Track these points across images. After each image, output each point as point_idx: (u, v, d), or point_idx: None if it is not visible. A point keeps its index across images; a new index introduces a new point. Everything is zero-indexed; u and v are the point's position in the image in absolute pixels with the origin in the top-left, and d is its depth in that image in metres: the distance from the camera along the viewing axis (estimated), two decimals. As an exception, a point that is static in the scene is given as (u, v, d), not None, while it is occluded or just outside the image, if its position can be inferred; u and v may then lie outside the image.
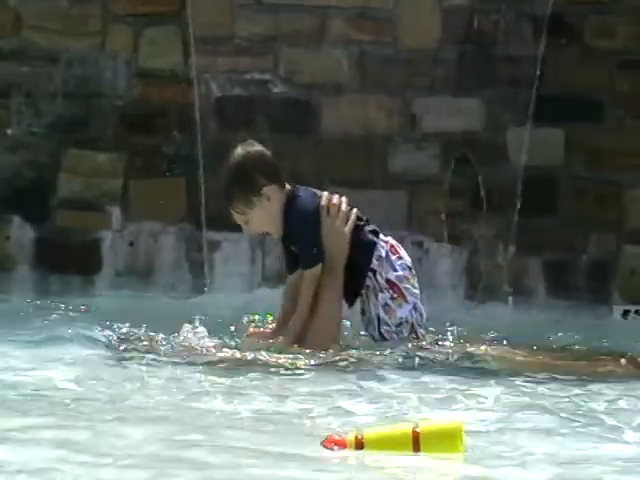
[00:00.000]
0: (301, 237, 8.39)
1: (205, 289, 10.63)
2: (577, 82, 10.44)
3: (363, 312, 8.20)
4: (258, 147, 8.41)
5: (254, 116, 10.74)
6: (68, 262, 10.70)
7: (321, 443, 5.02)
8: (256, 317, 8.27)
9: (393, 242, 8.38)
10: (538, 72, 10.31)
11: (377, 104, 10.58)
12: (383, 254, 8.34)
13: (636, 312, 10.72)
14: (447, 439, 5.24)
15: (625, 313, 10.59)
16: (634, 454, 5.53)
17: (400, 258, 8.35)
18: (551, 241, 10.50)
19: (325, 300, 8.33)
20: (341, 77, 10.67)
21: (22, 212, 10.67)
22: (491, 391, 6.98)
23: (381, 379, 7.38)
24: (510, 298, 10.41)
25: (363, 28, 10.78)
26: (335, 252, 8.24)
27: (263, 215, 8.35)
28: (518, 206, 10.32)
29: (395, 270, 8.44)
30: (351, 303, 8.24)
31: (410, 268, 8.31)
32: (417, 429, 4.74)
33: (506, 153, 10.47)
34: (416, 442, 4.85)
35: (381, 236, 8.28)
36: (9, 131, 10.69)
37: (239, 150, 8.34)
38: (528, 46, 10.44)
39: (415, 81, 10.64)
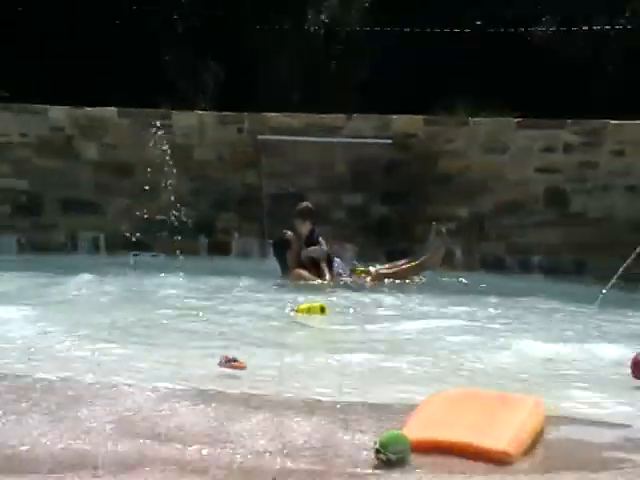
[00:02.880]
0: (318, 244, 12.64)
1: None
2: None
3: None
4: (311, 205, 12.94)
5: (284, 201, 13.83)
6: (220, 251, 14.33)
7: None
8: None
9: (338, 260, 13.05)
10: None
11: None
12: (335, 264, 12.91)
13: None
14: (319, 310, 10.20)
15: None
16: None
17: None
18: (387, 244, 13.88)
19: (322, 266, 12.54)
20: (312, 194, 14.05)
21: (205, 236, 14.29)
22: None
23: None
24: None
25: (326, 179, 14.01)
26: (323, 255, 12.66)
27: (303, 228, 12.68)
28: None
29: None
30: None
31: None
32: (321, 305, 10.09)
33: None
34: (307, 311, 9.97)
35: (336, 258, 12.97)
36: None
37: (305, 203, 12.97)
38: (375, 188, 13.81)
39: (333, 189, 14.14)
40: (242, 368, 7.48)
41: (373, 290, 12.46)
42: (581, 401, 7.03)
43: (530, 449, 5.44)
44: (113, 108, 14.38)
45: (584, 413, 6.53)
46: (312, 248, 12.80)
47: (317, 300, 10.82)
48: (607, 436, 5.97)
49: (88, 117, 14.32)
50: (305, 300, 10.95)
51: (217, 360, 7.52)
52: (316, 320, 10.24)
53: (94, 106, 14.40)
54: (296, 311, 10.41)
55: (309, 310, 10.36)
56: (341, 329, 10.06)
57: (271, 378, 7.43)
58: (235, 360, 7.53)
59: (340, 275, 12.99)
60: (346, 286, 12.67)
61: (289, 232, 12.86)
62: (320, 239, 12.98)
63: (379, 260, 13.66)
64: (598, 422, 6.30)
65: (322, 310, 10.30)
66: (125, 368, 7.49)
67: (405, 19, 19.30)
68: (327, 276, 12.80)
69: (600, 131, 13.55)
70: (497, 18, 20.65)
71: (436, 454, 5.26)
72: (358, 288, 12.56)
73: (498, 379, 7.71)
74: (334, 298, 11.74)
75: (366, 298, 11.99)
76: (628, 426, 6.13)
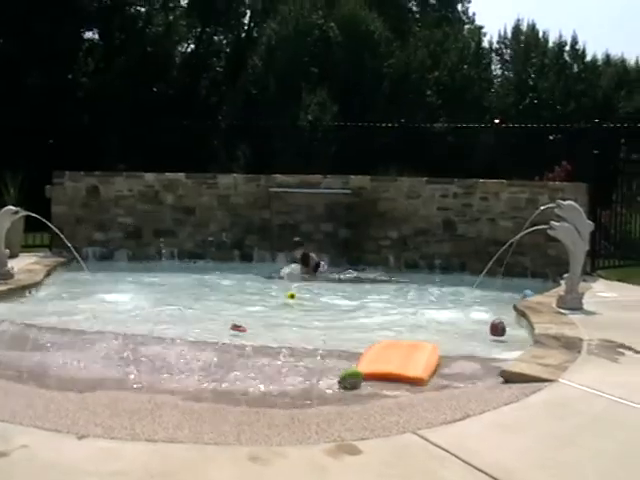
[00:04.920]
0: (311, 259, 12.55)
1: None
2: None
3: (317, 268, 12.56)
4: (300, 239, 12.95)
5: (285, 229, 13.58)
6: (247, 259, 13.71)
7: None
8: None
9: (323, 262, 12.80)
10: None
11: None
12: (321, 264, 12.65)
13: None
14: (290, 296, 10.15)
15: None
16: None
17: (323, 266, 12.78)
18: (347, 254, 13.45)
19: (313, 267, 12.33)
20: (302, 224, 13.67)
21: (238, 250, 13.69)
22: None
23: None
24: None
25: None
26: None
27: (297, 253, 12.60)
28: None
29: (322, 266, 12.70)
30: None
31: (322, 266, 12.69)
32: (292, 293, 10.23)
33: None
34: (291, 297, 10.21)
35: (322, 262, 12.74)
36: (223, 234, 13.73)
37: (297, 238, 12.87)
38: (340, 220, 13.55)
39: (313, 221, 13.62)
40: (244, 331, 7.44)
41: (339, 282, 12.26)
42: (462, 346, 7.17)
43: (433, 375, 5.70)
44: (182, 173, 14.20)
45: (462, 353, 6.72)
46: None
47: (295, 289, 10.69)
48: (479, 363, 6.17)
49: (167, 179, 14.15)
50: (291, 288, 10.75)
51: (229, 325, 7.60)
52: (292, 301, 10.13)
53: (170, 171, 14.27)
54: (290, 295, 10.32)
55: (292, 295, 10.28)
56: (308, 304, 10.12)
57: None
58: (240, 326, 7.54)
59: (322, 271, 12.66)
60: (326, 279, 12.40)
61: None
62: (312, 254, 12.82)
63: (343, 264, 13.24)
64: (472, 357, 6.52)
65: (292, 296, 10.16)
66: (180, 331, 7.53)
67: (358, 119, 19.59)
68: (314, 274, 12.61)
69: (473, 186, 13.44)
70: (413, 117, 21.15)
71: (378, 380, 5.52)
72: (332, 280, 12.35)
73: (411, 333, 7.80)
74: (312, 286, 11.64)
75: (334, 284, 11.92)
76: (492, 359, 6.34)
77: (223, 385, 5.30)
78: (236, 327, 7.53)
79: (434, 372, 5.80)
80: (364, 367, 5.71)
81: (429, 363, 5.94)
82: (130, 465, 3.75)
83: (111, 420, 4.34)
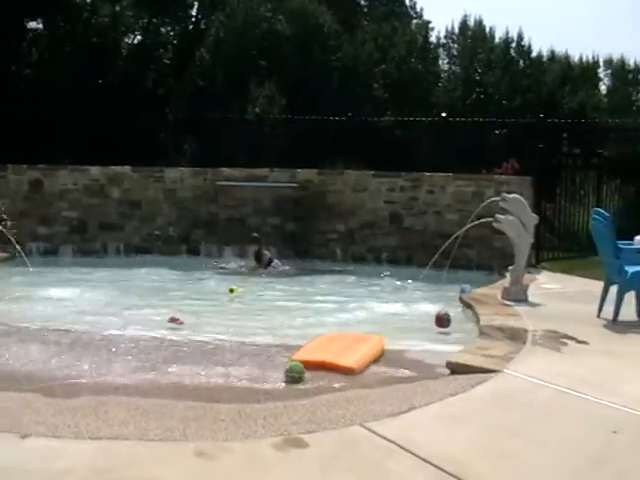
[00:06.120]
0: (264, 255, 12.47)
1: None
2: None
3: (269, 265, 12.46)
4: (257, 234, 12.68)
5: (232, 223, 13.56)
6: (194, 253, 13.63)
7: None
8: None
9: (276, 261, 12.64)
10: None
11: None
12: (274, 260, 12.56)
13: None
14: (230, 291, 9.96)
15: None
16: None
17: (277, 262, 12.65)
18: (294, 247, 13.50)
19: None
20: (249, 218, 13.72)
21: (185, 244, 13.74)
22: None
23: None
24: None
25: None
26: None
27: (253, 248, 12.56)
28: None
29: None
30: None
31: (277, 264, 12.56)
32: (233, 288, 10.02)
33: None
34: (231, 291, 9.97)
35: (275, 260, 12.59)
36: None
37: (255, 234, 12.69)
38: (288, 213, 13.53)
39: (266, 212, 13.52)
40: (181, 324, 7.42)
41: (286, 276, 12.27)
42: (408, 338, 7.18)
43: (368, 365, 5.84)
44: (128, 167, 14.07)
45: (409, 345, 6.78)
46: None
47: (238, 284, 10.54)
48: (425, 355, 6.29)
49: (113, 172, 14.00)
50: (233, 283, 10.63)
51: (167, 318, 7.57)
52: (234, 294, 10.02)
53: (117, 165, 14.11)
54: (229, 290, 10.17)
55: (232, 290, 10.14)
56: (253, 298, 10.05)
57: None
58: (177, 319, 7.52)
59: (275, 267, 12.60)
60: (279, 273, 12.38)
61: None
62: (265, 252, 12.79)
63: (290, 257, 13.24)
64: (417, 348, 6.62)
65: (231, 291, 10.03)
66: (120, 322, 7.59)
67: (307, 112, 19.58)
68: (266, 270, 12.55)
69: (420, 179, 13.47)
70: (361, 111, 21.25)
71: (315, 369, 5.57)
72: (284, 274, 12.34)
73: (356, 325, 7.87)
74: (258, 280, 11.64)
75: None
76: (437, 350, 6.36)
77: (169, 380, 5.26)
78: (174, 320, 7.52)
79: (371, 363, 5.89)
80: (300, 355, 5.81)
81: (367, 354, 6.04)
82: (74, 463, 3.71)
83: (55, 418, 4.28)
